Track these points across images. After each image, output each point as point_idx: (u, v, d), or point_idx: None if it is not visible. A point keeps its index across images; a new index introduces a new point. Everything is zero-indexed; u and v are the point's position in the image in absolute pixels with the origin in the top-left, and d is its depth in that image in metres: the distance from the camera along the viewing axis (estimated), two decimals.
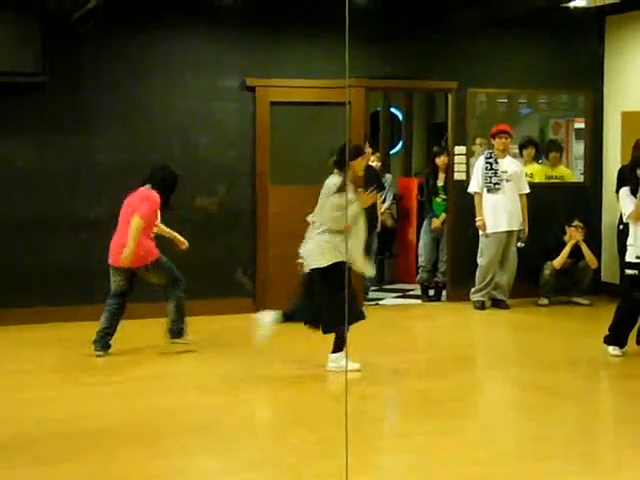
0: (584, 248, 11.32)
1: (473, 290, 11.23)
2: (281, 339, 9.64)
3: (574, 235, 11.31)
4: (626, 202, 8.64)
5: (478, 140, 11.73)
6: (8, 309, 10.02)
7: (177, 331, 8.87)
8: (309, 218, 8.38)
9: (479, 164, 11.17)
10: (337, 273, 7.84)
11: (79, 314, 10.06)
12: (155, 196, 8.73)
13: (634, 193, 8.56)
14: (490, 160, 11.08)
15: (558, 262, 11.28)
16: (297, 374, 8.24)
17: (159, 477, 5.84)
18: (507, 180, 11.08)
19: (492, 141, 11.18)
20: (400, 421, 7.20)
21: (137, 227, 8.56)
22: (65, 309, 10.15)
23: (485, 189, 11.11)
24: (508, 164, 11.14)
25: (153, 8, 10.34)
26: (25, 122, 10.14)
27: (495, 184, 11.05)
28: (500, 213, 11.07)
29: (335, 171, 8.33)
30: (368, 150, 11.67)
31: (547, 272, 11.32)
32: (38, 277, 10.18)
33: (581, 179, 12.24)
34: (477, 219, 11.13)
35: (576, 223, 11.34)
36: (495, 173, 11.05)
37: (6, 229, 10.16)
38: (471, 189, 11.22)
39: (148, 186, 8.77)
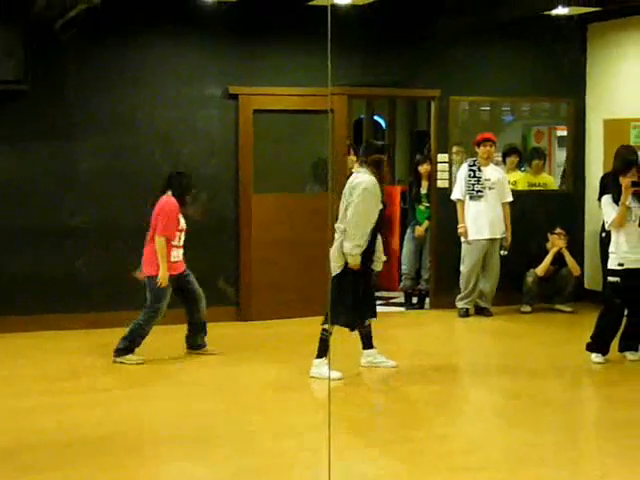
0: (567, 255, 11.35)
1: (458, 297, 11.25)
2: (267, 346, 9.66)
3: (556, 242, 11.35)
4: (608, 210, 8.68)
5: (454, 148, 11.71)
6: None
7: (119, 348, 8.76)
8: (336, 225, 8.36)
9: (462, 172, 11.19)
10: (347, 277, 8.09)
11: (66, 322, 10.05)
12: (169, 204, 8.80)
13: (616, 201, 8.59)
14: (473, 168, 11.10)
15: (541, 269, 11.30)
16: (283, 381, 8.24)
17: None
18: (490, 188, 11.10)
19: (476, 149, 11.20)
20: (385, 428, 7.20)
21: (161, 248, 8.68)
22: (51, 317, 10.09)
23: (468, 197, 11.13)
24: (491, 172, 11.16)
25: (136, 17, 10.31)
26: (7, 130, 10.10)
27: (478, 192, 11.08)
28: (482, 221, 11.08)
29: (361, 169, 8.28)
30: (352, 157, 11.75)
31: (530, 279, 11.35)
32: (23, 285, 10.13)
33: (563, 187, 12.28)
34: (459, 226, 11.15)
35: (558, 230, 11.37)
36: (478, 181, 11.08)
37: None
38: (454, 196, 11.25)
39: (169, 192, 8.87)
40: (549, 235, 11.40)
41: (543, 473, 5.98)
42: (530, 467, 6.06)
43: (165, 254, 8.68)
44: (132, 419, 7.17)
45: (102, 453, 6.32)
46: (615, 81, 11.72)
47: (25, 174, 10.14)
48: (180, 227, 8.85)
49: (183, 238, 8.92)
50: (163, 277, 8.65)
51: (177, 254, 8.86)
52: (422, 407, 7.58)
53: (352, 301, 8.16)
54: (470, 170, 11.11)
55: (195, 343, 9.10)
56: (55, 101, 10.20)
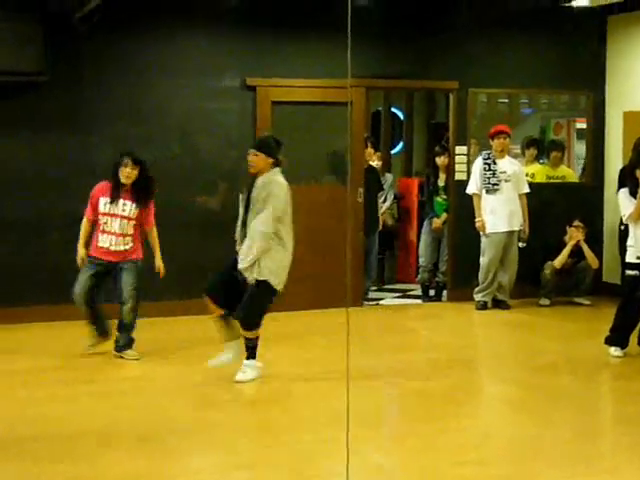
0: (585, 248, 11.30)
1: (476, 290, 11.23)
2: (282, 337, 9.66)
3: (574, 235, 11.30)
4: (625, 203, 8.62)
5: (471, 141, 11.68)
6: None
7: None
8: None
9: (477, 165, 11.16)
10: None
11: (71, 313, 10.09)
12: (95, 188, 8.65)
13: (633, 194, 8.53)
14: (488, 161, 11.07)
15: (559, 262, 11.26)
16: (296, 373, 8.24)
17: (164, 477, 5.84)
18: (506, 180, 11.06)
19: (490, 142, 11.17)
20: (399, 421, 7.20)
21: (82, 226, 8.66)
22: (58, 308, 10.10)
23: (484, 190, 11.10)
24: (507, 164, 11.13)
25: (154, 8, 10.32)
26: (25, 121, 10.13)
27: (494, 185, 11.04)
28: (499, 214, 11.05)
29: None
30: (369, 150, 11.75)
31: (548, 272, 11.31)
32: (33, 276, 10.16)
33: (584, 180, 12.24)
34: (476, 220, 11.12)
35: (577, 223, 11.32)
36: (493, 174, 11.04)
37: (3, 228, 10.15)
38: (469, 190, 11.21)
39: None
40: (567, 228, 11.36)
41: (555, 467, 5.95)
42: (542, 461, 6.04)
43: (82, 234, 8.61)
44: (142, 411, 7.18)
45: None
46: (635, 73, 11.64)
47: (43, 164, 10.18)
48: (103, 212, 8.53)
49: (118, 225, 8.53)
50: (78, 256, 8.59)
51: (106, 239, 8.55)
52: (437, 400, 7.56)
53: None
54: (485, 163, 11.08)
55: (116, 342, 8.76)
56: (74, 92, 10.24)
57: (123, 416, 7.00)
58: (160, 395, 7.60)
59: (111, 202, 8.53)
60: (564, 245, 11.32)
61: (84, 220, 8.66)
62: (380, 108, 15.25)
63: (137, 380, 8.07)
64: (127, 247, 8.58)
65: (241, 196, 7.95)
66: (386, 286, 12.98)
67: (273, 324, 10.28)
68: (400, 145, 15.68)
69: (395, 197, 13.28)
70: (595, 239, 11.66)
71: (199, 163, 10.60)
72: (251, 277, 7.68)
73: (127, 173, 8.50)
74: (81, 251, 8.62)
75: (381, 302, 11.92)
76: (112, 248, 8.56)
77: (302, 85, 10.91)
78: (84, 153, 10.30)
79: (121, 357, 8.67)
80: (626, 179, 8.93)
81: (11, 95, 9.99)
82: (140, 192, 8.58)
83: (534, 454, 6.17)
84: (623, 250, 9.28)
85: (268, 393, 7.71)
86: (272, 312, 10.57)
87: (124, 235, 8.56)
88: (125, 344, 8.70)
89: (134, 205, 8.56)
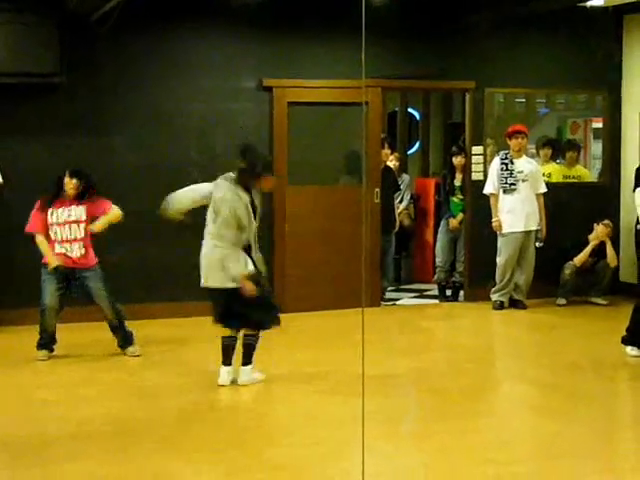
0: (609, 246, 11.25)
1: (493, 290, 11.23)
2: (300, 337, 9.69)
3: (602, 233, 11.23)
4: None
5: (488, 140, 11.69)
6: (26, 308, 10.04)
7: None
8: None
9: (494, 165, 11.16)
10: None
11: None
12: (38, 203, 8.78)
13: None
14: (505, 161, 11.07)
15: (579, 259, 11.23)
16: (314, 373, 8.26)
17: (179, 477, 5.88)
18: (523, 180, 11.06)
19: (508, 141, 11.17)
20: (417, 421, 7.21)
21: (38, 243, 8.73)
22: (85, 309, 10.12)
23: (501, 190, 11.10)
24: (524, 164, 11.13)
25: (171, 9, 10.38)
26: (43, 123, 10.19)
27: (511, 184, 11.04)
28: (517, 213, 11.05)
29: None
30: (386, 150, 11.77)
31: (567, 272, 11.27)
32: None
33: (599, 179, 12.22)
34: (493, 220, 11.12)
35: (607, 221, 11.28)
36: (511, 174, 11.04)
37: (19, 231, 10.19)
38: (486, 190, 11.21)
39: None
40: (595, 225, 11.30)
41: (573, 466, 5.95)
42: (560, 460, 6.03)
43: (45, 246, 8.67)
44: (150, 411, 7.22)
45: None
46: None
47: (60, 167, 10.17)
48: (50, 222, 8.69)
49: (68, 231, 8.71)
50: (51, 265, 8.66)
51: (61, 248, 8.71)
52: (455, 400, 7.56)
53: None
54: (502, 163, 11.08)
55: (117, 342, 8.94)
56: (91, 94, 10.28)
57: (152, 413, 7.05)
58: (169, 397, 7.63)
59: (57, 210, 8.71)
60: (586, 243, 11.28)
61: (37, 236, 8.68)
62: (397, 108, 15.26)
63: (153, 379, 8.10)
64: (83, 252, 8.74)
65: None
66: (403, 286, 13.00)
67: (291, 325, 10.32)
68: (417, 145, 15.69)
69: (412, 197, 13.29)
70: (612, 239, 11.64)
71: (216, 163, 10.59)
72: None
73: (72, 185, 8.73)
74: (52, 259, 8.66)
75: (398, 302, 11.94)
76: (69, 254, 8.72)
77: (318, 86, 10.94)
78: (101, 155, 10.33)
79: (124, 354, 8.83)
80: None
81: (28, 97, 10.05)
82: (80, 195, 8.78)
83: (551, 453, 6.17)
84: (639, 250, 9.28)
85: (285, 393, 7.73)
86: (290, 313, 10.68)
87: (77, 240, 8.73)
88: (124, 343, 8.88)
89: (79, 207, 8.74)
